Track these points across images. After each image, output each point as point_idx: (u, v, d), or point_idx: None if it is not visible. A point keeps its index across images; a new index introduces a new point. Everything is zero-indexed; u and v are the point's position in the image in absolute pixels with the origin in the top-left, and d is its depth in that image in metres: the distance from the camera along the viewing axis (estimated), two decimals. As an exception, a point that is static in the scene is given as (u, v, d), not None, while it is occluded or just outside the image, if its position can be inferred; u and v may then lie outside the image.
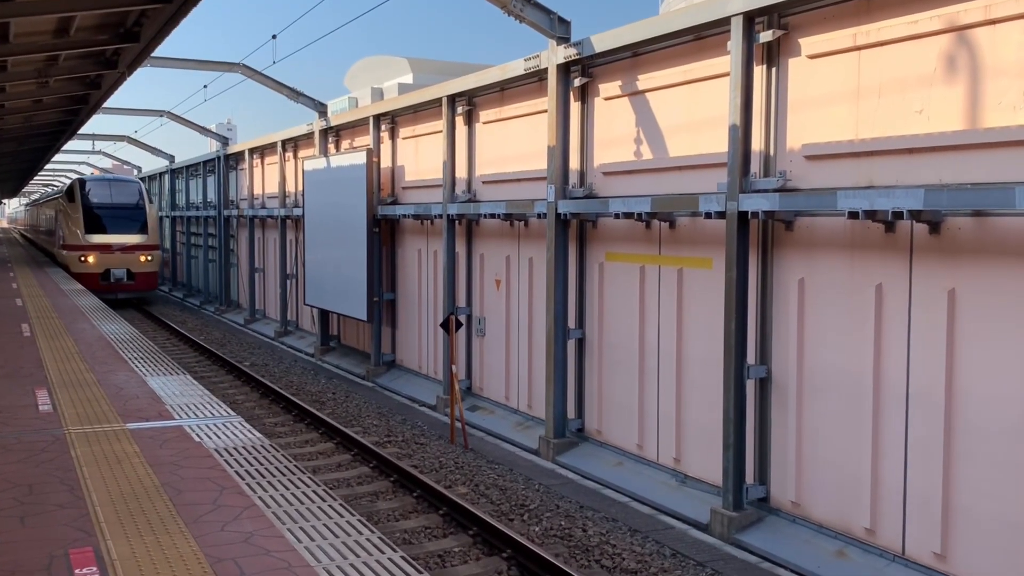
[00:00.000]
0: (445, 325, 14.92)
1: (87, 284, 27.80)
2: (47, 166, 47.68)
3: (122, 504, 6.32)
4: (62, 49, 12.77)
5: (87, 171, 51.29)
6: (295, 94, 23.38)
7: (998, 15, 7.94)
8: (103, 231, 31.92)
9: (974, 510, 8.24)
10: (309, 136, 24.33)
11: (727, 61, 10.30)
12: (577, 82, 13.29)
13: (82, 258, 31.39)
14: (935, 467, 8.52)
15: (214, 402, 9.90)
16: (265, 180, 29.35)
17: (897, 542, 8.94)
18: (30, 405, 9.53)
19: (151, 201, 34.93)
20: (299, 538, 5.82)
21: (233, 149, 32.61)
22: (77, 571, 5.14)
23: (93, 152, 46.77)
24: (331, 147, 23.44)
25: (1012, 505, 7.92)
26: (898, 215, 8.35)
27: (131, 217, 32.66)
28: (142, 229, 32.62)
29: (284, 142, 26.41)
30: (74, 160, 51.67)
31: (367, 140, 20.70)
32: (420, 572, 5.41)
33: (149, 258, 32.59)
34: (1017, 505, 7.88)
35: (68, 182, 41.37)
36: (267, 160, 29.03)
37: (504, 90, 15.57)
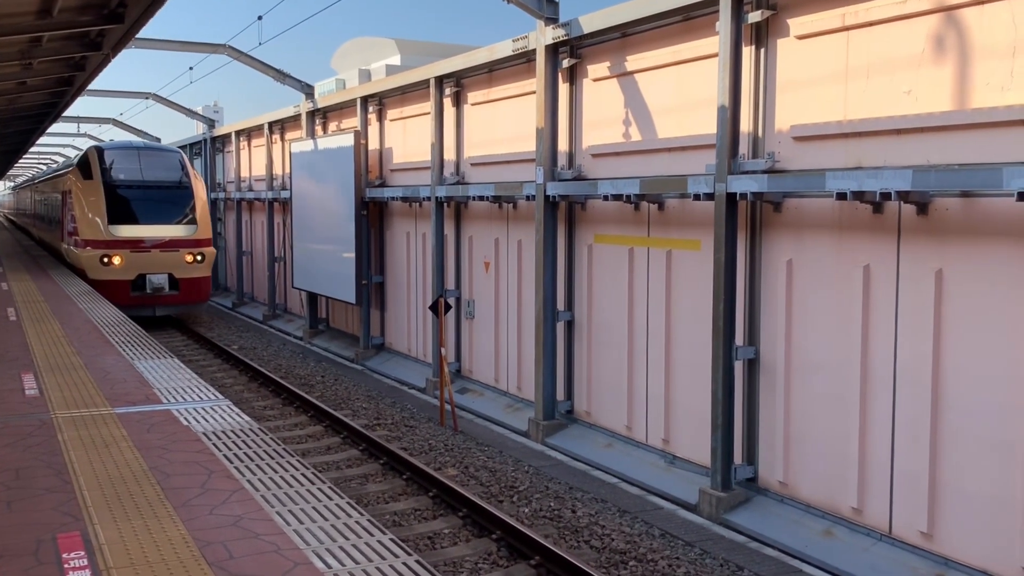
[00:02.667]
0: (434, 308, 14.90)
1: (113, 296, 20.24)
2: (31, 149, 47.15)
3: (110, 488, 6.30)
4: (45, 31, 12.60)
5: (71, 154, 43.92)
6: (281, 76, 23.20)
7: (986, -5, 7.93)
8: (134, 220, 23.01)
9: (961, 489, 8.30)
10: (296, 118, 24.19)
11: (716, 42, 10.26)
12: (565, 63, 13.23)
13: (105, 259, 22.40)
14: (922, 447, 8.57)
15: (202, 386, 9.87)
16: (252, 162, 29.19)
17: (884, 521, 9.01)
18: (16, 389, 9.47)
19: (198, 176, 25.36)
20: (288, 521, 5.81)
21: (220, 131, 32.35)
22: (65, 555, 5.12)
23: (78, 135, 46.26)
24: (318, 129, 23.31)
25: (998, 484, 7.98)
26: (886, 196, 8.37)
27: (172, 200, 23.66)
28: (188, 217, 23.57)
29: (271, 124, 26.26)
30: (59, 143, 51.19)
31: (355, 122, 20.59)
32: (410, 554, 5.42)
33: (199, 258, 23.41)
34: (1003, 484, 7.95)
35: (81, 152, 28.42)
36: (254, 142, 28.87)
37: (492, 71, 15.49)
